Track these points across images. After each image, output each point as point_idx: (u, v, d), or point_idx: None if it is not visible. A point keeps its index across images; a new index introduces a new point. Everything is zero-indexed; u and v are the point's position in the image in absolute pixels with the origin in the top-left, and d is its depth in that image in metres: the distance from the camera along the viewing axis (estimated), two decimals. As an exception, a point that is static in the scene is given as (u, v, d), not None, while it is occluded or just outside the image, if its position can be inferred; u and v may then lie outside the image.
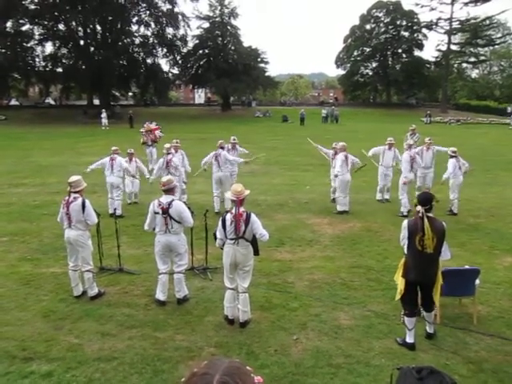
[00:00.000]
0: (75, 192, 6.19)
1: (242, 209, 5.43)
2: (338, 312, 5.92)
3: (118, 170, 10.84)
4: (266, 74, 54.65)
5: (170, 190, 6.15)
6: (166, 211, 5.95)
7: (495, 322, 5.70)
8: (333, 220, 10.37)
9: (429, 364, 4.26)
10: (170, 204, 5.98)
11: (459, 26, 54.12)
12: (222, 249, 5.66)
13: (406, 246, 5.00)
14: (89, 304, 6.18)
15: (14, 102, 55.16)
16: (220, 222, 5.50)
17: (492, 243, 8.73)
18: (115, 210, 10.44)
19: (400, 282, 5.07)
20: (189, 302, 6.19)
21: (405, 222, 5.04)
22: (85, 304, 6.18)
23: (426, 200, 4.91)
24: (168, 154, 10.95)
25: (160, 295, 6.15)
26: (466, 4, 51.96)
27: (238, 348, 5.09)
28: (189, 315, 5.85)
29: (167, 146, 11.30)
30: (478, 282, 5.77)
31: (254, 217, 5.42)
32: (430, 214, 4.87)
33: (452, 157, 10.79)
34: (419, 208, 4.84)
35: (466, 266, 6.02)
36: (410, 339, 5.09)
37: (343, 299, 6.27)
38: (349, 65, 61.18)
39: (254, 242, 5.49)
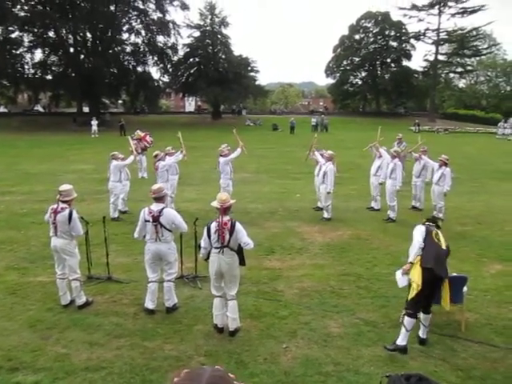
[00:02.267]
0: (64, 201, 6.13)
1: (226, 217, 5.42)
2: (327, 320, 5.92)
3: (113, 175, 10.94)
4: (257, 82, 54.87)
5: (160, 198, 6.15)
6: (156, 219, 5.94)
7: (483, 329, 5.75)
8: (323, 228, 10.40)
9: (417, 371, 4.28)
10: (160, 212, 5.98)
11: (446, 36, 54.98)
12: (205, 260, 5.66)
13: (418, 250, 5.21)
14: (76, 313, 6.11)
15: (2, 110, 54.72)
16: (205, 231, 5.50)
17: (480, 251, 8.82)
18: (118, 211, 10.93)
19: (417, 276, 5.07)
20: (178, 311, 6.16)
21: (419, 226, 5.44)
22: (72, 313, 6.11)
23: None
24: (158, 160, 10.97)
25: (149, 304, 6.12)
26: (453, 15, 52.84)
27: (227, 357, 5.07)
28: (178, 324, 5.82)
29: (156, 152, 11.30)
30: (465, 289, 5.83)
31: (238, 226, 5.41)
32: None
33: (445, 164, 10.85)
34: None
35: (454, 274, 6.06)
36: (403, 341, 5.05)
37: (333, 307, 6.28)
38: (338, 74, 61.71)
39: (239, 251, 5.47)
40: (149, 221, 5.97)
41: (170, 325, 5.80)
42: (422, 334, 5.29)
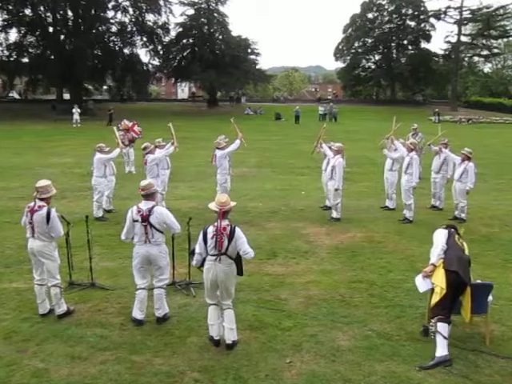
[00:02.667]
0: (42, 199, 6.13)
1: (225, 222, 5.42)
2: (336, 332, 5.93)
3: (97, 169, 10.95)
4: (258, 66, 55.04)
5: (149, 196, 6.13)
6: (146, 219, 5.93)
7: (510, 343, 5.75)
8: (331, 229, 10.41)
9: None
10: (150, 211, 5.97)
11: (470, 15, 54.94)
12: (199, 268, 5.67)
13: (441, 251, 5.34)
14: (56, 323, 6.12)
15: (-27, 96, 54.75)
16: (201, 235, 5.50)
17: (506, 255, 8.82)
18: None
19: (441, 279, 5.13)
20: (169, 322, 6.16)
21: (439, 229, 5.61)
22: (52, 323, 6.12)
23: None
24: (147, 153, 10.97)
25: (137, 313, 6.12)
26: (478, -8, 52.77)
27: (224, 373, 5.07)
28: (169, 336, 5.83)
29: (145, 145, 11.29)
30: (490, 298, 5.82)
31: (239, 232, 5.41)
32: None
33: (468, 159, 10.84)
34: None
35: (478, 281, 6.06)
36: (444, 351, 5.06)
37: (342, 318, 6.28)
38: (349, 57, 61.78)
39: (238, 259, 5.47)
40: (137, 221, 5.96)
41: (160, 337, 5.81)
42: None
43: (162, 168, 11.60)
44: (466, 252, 5.46)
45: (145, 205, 6.04)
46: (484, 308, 5.77)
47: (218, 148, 11.27)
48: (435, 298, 5.15)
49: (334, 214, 11.03)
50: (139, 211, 5.98)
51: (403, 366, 5.18)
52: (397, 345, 5.61)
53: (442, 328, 5.09)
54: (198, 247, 5.56)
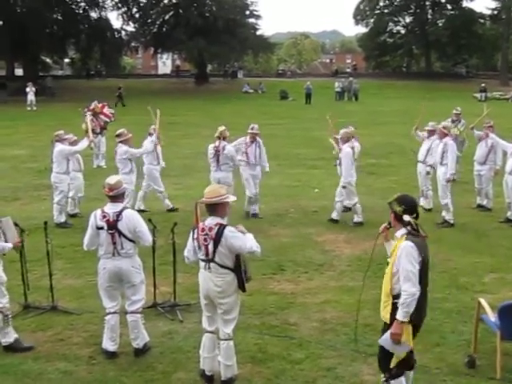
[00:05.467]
0: None
1: (214, 220, 5.31)
2: (359, 364, 5.93)
3: (57, 164, 10.91)
4: (258, 32, 55.07)
5: (118, 197, 6.12)
6: (113, 225, 5.91)
7: None
8: (351, 236, 10.41)
9: None
10: (119, 215, 5.94)
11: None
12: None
13: (416, 281, 4.65)
14: (8, 357, 6.11)
15: None
16: (191, 233, 5.48)
17: None
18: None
19: (407, 335, 4.72)
20: (150, 353, 6.16)
21: (408, 243, 4.67)
22: (3, 357, 6.12)
23: (413, 205, 4.85)
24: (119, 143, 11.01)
25: (108, 344, 6.11)
26: None
27: (219, 417, 5.08)
28: (151, 371, 5.83)
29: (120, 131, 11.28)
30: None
31: (229, 232, 5.24)
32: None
33: None
34: (408, 218, 4.71)
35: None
36: None
37: (366, 347, 6.26)
38: (372, 20, 61.83)
39: (237, 269, 5.33)
40: (102, 228, 5.93)
41: (139, 372, 5.81)
42: None
43: (150, 163, 11.70)
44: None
45: (111, 208, 5.99)
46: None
47: (223, 138, 11.16)
48: (397, 357, 4.82)
49: (355, 218, 11.05)
50: (104, 216, 5.93)
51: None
52: (436, 380, 5.61)
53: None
54: (187, 248, 5.54)
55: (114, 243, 5.93)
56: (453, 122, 14.82)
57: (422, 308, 4.80)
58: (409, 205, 4.76)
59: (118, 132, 11.25)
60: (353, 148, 11.11)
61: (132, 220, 5.98)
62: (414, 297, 4.58)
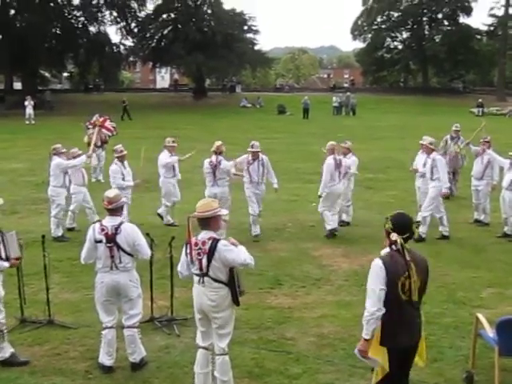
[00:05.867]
0: None
1: (207, 234, 5.30)
2: (357, 380, 5.91)
3: (54, 177, 10.95)
4: (256, 47, 55.35)
5: (117, 210, 6.15)
6: (111, 239, 5.92)
7: None
8: (349, 250, 10.41)
9: None
10: (117, 228, 5.96)
11: (521, -18, 55.34)
12: None
13: (377, 300, 4.53)
14: (5, 371, 6.08)
15: None
16: (184, 248, 5.46)
17: None
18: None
19: (381, 355, 4.63)
20: (147, 368, 6.14)
21: (378, 262, 4.59)
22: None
23: (404, 225, 4.67)
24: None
25: (105, 358, 6.09)
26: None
27: (216, 432, 5.06)
28: (147, 386, 5.81)
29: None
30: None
31: (222, 246, 5.22)
32: (407, 247, 4.63)
33: None
34: (395, 237, 4.57)
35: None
36: None
37: (364, 362, 6.25)
38: (370, 35, 62.22)
39: (231, 283, 5.31)
40: (101, 241, 5.94)
41: (135, 387, 5.79)
42: None
43: (165, 176, 11.80)
44: (415, 297, 4.59)
45: (110, 221, 6.02)
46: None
47: (219, 153, 11.11)
48: (376, 377, 4.77)
49: (327, 226, 11.25)
50: (103, 229, 5.95)
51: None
52: (434, 396, 5.60)
53: None
54: (180, 262, 5.53)
55: (112, 257, 5.93)
56: (452, 138, 14.64)
57: (397, 333, 4.60)
58: (398, 224, 4.62)
59: (116, 147, 11.30)
60: (335, 160, 11.21)
61: (131, 234, 6.00)
62: (373, 316, 4.49)
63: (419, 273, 4.56)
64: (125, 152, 11.31)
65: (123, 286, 6.02)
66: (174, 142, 12.06)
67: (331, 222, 11.16)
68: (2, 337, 6.19)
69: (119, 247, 5.93)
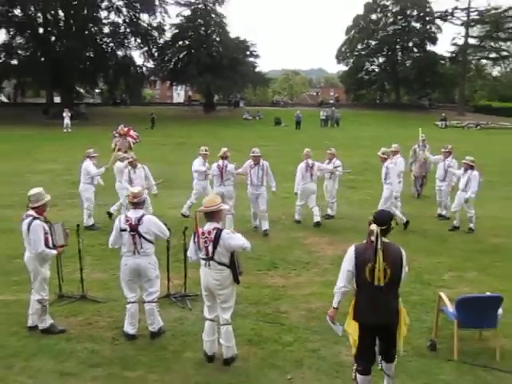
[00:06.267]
0: (33, 208, 6.12)
1: (212, 225, 5.34)
2: (339, 347, 5.91)
3: (83, 176, 11.09)
4: (256, 69, 55.27)
5: (140, 203, 6.16)
6: (134, 228, 5.92)
7: (521, 358, 5.74)
8: (333, 239, 10.41)
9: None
10: (139, 220, 5.96)
11: (478, 16, 55.33)
12: None
13: (343, 278, 4.64)
14: (45, 338, 6.09)
15: (-41, 99, 54.85)
16: (193, 236, 5.49)
17: (517, 267, 8.82)
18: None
19: (353, 329, 4.68)
20: (164, 336, 6.15)
21: (351, 248, 4.67)
22: (40, 338, 6.09)
23: (384, 219, 4.61)
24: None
25: (129, 328, 6.10)
26: (485, -8, 53.20)
27: (221, 390, 5.06)
28: (164, 351, 5.81)
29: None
30: (500, 311, 5.81)
31: (225, 234, 5.29)
32: (386, 240, 4.57)
33: (471, 168, 10.86)
34: (374, 227, 4.53)
35: (488, 293, 6.07)
36: None
37: (345, 332, 6.26)
38: (352, 60, 62.09)
39: (232, 265, 5.35)
40: (125, 230, 5.95)
41: (154, 352, 5.79)
42: None
43: (198, 179, 11.65)
44: (381, 282, 4.45)
45: (134, 213, 6.04)
46: (494, 322, 5.77)
47: (225, 157, 10.98)
48: (352, 348, 4.77)
49: (315, 218, 11.48)
50: (127, 220, 5.97)
51: (410, 383, 5.16)
52: (403, 360, 5.57)
53: (361, 381, 4.76)
54: (189, 248, 5.57)
55: (135, 243, 5.94)
56: (419, 147, 14.45)
57: (364, 309, 4.60)
58: (378, 218, 4.62)
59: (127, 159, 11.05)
60: (307, 164, 11.53)
61: (150, 224, 6.02)
62: (339, 290, 4.69)
63: (388, 262, 4.48)
64: (132, 159, 10.90)
65: (144, 268, 6.03)
66: (206, 150, 11.71)
67: (297, 216, 11.76)
68: (45, 310, 6.21)
69: (141, 235, 5.94)
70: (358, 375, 4.78)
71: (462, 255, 9.47)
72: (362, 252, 4.58)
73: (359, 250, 4.60)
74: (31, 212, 6.10)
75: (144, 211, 6.24)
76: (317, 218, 11.39)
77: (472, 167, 10.86)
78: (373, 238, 4.53)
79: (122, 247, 6.06)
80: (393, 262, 4.53)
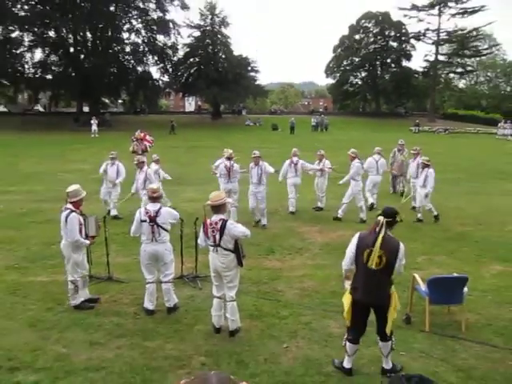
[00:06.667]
0: (71, 202, 6.13)
1: (218, 217, 5.34)
2: (328, 320, 5.92)
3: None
4: (257, 82, 54.90)
5: (158, 198, 6.19)
6: (153, 219, 5.94)
7: (483, 330, 5.75)
8: (323, 228, 10.41)
9: (418, 372, 4.29)
10: (157, 212, 5.97)
11: (447, 36, 55.04)
12: None
13: (348, 258, 4.67)
14: (77, 313, 6.10)
15: (2, 109, 54.72)
16: (202, 226, 5.51)
17: (480, 251, 8.82)
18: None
19: (347, 302, 4.65)
20: (178, 311, 6.17)
21: (356, 234, 4.69)
22: (73, 313, 6.11)
23: (390, 213, 4.59)
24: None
25: (148, 304, 6.12)
26: (453, 15, 53.01)
27: (227, 357, 5.06)
28: (178, 324, 5.82)
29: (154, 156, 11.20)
30: (466, 289, 5.82)
31: (230, 224, 5.30)
32: (389, 233, 4.55)
33: (427, 166, 10.85)
34: (381, 218, 4.51)
35: (455, 274, 6.07)
36: (347, 364, 4.76)
37: (333, 307, 6.26)
38: (338, 74, 61.76)
39: (236, 250, 5.35)
40: (145, 221, 5.96)
41: (170, 325, 5.80)
42: (384, 364, 4.77)
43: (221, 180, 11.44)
44: (374, 266, 4.41)
45: (152, 206, 6.06)
46: (460, 298, 5.78)
47: (229, 158, 10.89)
48: (346, 321, 4.74)
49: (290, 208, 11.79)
50: (147, 212, 5.99)
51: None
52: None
53: (349, 348, 4.74)
54: (200, 237, 5.59)
55: (153, 232, 5.95)
56: (398, 150, 14.30)
57: (358, 288, 4.56)
58: (385, 212, 4.62)
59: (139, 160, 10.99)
60: (291, 161, 11.82)
61: (167, 214, 6.06)
62: (345, 267, 4.72)
63: (386, 250, 4.45)
64: (139, 161, 10.85)
65: (160, 253, 6.04)
66: (231, 154, 11.19)
67: (291, 208, 11.81)
68: (76, 290, 6.22)
69: (158, 225, 5.95)
70: (347, 343, 4.79)
71: (433, 242, 9.47)
72: (364, 238, 4.61)
73: (362, 236, 4.65)
74: (69, 206, 6.12)
75: (160, 204, 6.25)
76: (291, 209, 11.78)
77: (428, 165, 10.85)
78: (377, 229, 4.51)
79: (141, 235, 6.07)
80: (389, 251, 4.49)
